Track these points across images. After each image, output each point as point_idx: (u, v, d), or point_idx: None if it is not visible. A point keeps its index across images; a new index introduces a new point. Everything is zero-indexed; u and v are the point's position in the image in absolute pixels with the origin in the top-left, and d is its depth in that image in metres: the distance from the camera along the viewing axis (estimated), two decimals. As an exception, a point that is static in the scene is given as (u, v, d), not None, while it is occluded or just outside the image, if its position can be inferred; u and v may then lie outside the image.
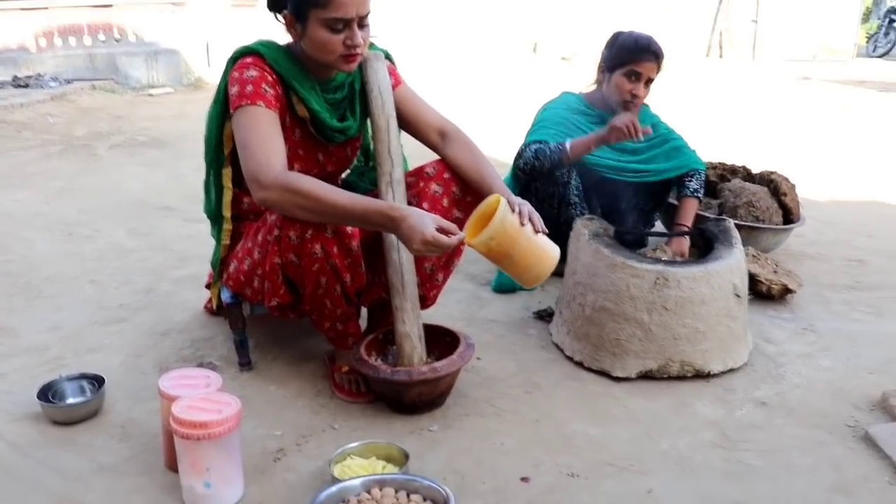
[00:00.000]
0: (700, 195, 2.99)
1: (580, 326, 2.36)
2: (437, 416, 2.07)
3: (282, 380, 2.27)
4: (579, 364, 2.35)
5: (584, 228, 2.46)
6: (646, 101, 2.93)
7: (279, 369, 2.34)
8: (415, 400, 2.03)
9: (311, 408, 2.12)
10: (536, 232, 1.87)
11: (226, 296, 2.24)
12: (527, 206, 1.89)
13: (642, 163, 2.95)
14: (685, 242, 2.83)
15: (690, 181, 2.99)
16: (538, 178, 2.81)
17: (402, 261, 2.01)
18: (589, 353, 2.33)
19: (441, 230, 1.77)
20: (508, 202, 1.86)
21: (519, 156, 2.82)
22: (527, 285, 1.95)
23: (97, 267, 3.15)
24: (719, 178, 3.55)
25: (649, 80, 2.80)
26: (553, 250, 1.90)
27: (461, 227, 1.97)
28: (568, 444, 1.95)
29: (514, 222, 1.83)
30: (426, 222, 1.74)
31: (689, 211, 2.95)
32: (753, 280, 2.77)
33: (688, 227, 2.92)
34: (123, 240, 3.50)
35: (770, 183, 3.38)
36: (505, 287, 2.84)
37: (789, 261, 3.29)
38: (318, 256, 1.91)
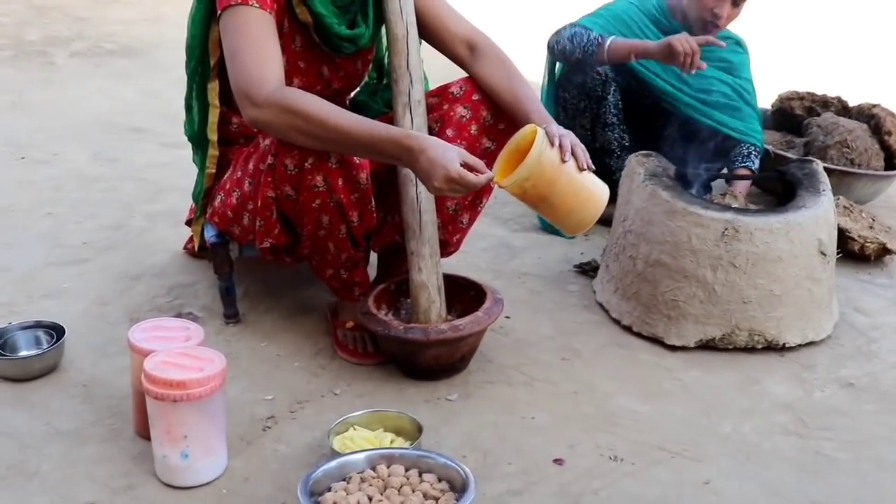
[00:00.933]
0: (755, 171, 2.98)
1: (630, 284, 2.38)
2: (457, 384, 2.09)
3: (275, 335, 2.30)
4: (627, 328, 2.37)
5: (638, 166, 2.46)
6: (735, 31, 2.91)
7: (272, 323, 2.36)
8: (431, 363, 2.05)
9: (309, 369, 2.15)
10: (581, 169, 1.87)
11: (210, 234, 2.28)
12: (570, 138, 1.88)
13: (700, 101, 2.92)
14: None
15: (748, 153, 2.97)
16: (565, 64, 2.79)
17: (421, 198, 2.02)
18: (639, 315, 2.35)
19: (466, 166, 1.76)
20: (548, 133, 1.85)
21: (556, 33, 2.83)
22: (568, 233, 1.98)
23: (55, 197, 3.15)
24: (806, 112, 3.51)
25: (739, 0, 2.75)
26: (600, 193, 1.91)
27: (491, 160, 1.98)
28: (610, 422, 1.97)
29: (554, 159, 1.82)
30: (450, 156, 1.74)
31: (741, 181, 2.93)
32: (844, 236, 2.75)
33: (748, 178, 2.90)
34: (86, 166, 3.50)
35: (871, 119, 3.33)
36: (553, 227, 2.81)
37: (889, 215, 3.26)
38: (320, 190, 1.92)
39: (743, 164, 2.95)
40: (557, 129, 1.89)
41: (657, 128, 2.94)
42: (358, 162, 1.90)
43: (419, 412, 1.93)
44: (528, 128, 1.89)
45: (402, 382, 2.09)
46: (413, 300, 2.08)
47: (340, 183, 1.91)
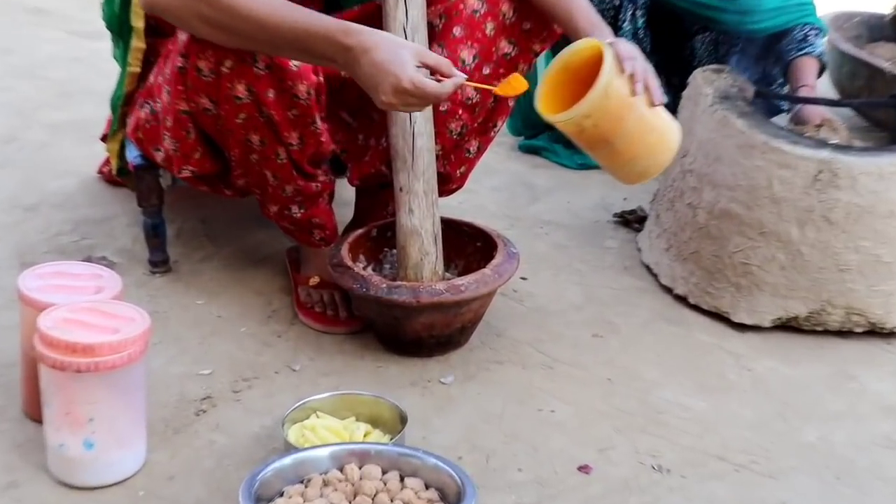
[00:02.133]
0: (824, 61, 3.01)
1: (687, 240, 2.37)
2: (455, 362, 2.11)
3: (216, 291, 2.33)
4: (681, 299, 2.38)
5: (705, 85, 2.45)
6: None
7: (213, 274, 2.39)
8: (422, 334, 2.07)
9: (260, 336, 2.17)
10: (652, 105, 1.91)
11: (133, 155, 2.29)
12: (640, 62, 1.90)
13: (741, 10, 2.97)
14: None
15: (803, 36, 2.99)
16: None
17: (416, 118, 2.02)
18: (698, 282, 2.35)
19: (427, 68, 1.76)
20: (615, 53, 1.86)
21: None
22: (625, 182, 2.03)
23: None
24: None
25: None
26: (673, 136, 1.96)
27: (509, 70, 2.04)
28: (654, 421, 1.98)
29: (623, 91, 1.86)
30: (402, 58, 1.73)
31: (808, 72, 2.95)
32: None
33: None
34: (-35, 57, 3.52)
35: None
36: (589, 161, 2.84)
37: None
38: (244, 102, 1.92)
39: (802, 52, 2.97)
40: (626, 49, 1.89)
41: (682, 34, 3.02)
42: (296, 68, 1.90)
43: (404, 398, 1.94)
44: (587, 43, 1.91)
45: (383, 358, 2.11)
46: (400, 251, 2.09)
47: (271, 95, 1.91)
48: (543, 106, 1.89)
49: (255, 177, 2.07)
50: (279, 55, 1.86)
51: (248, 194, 2.20)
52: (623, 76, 1.85)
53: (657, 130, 1.93)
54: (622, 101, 1.85)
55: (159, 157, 2.16)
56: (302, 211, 2.16)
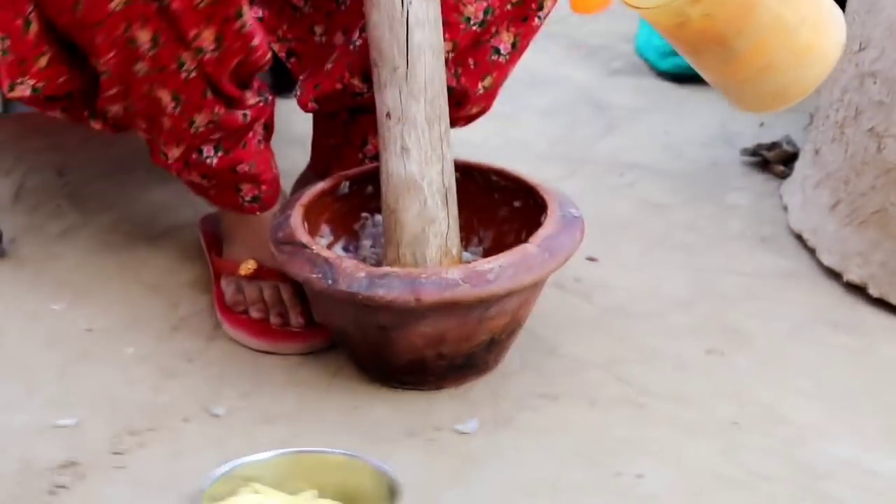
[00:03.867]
0: None
1: (868, 191, 2.33)
2: (480, 398, 2.07)
3: (84, 287, 2.32)
4: (857, 289, 2.34)
5: None
6: None
7: (78, 260, 2.39)
8: (425, 353, 2.03)
9: (159, 361, 2.14)
10: None
11: None
12: None
13: None
14: None
15: None
16: None
17: None
18: (887, 260, 2.30)
19: None
20: None
21: None
22: (750, 108, 2.06)
23: None
24: None
25: None
26: (833, 30, 1.93)
27: None
28: (815, 493, 1.90)
29: None
30: None
31: None
32: None
33: None
34: None
35: None
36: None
37: None
38: None
39: None
40: None
41: None
42: None
43: (396, 457, 1.87)
44: None
45: (362, 392, 2.07)
46: (389, 217, 2.05)
47: None
48: None
49: (140, 100, 2.05)
50: None
51: (129, 129, 2.17)
52: None
53: (807, 23, 1.88)
54: None
55: None
56: (220, 154, 2.14)
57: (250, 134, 2.16)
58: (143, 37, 1.94)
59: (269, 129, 2.23)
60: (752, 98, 1.99)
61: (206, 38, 1.97)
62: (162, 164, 2.19)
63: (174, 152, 2.14)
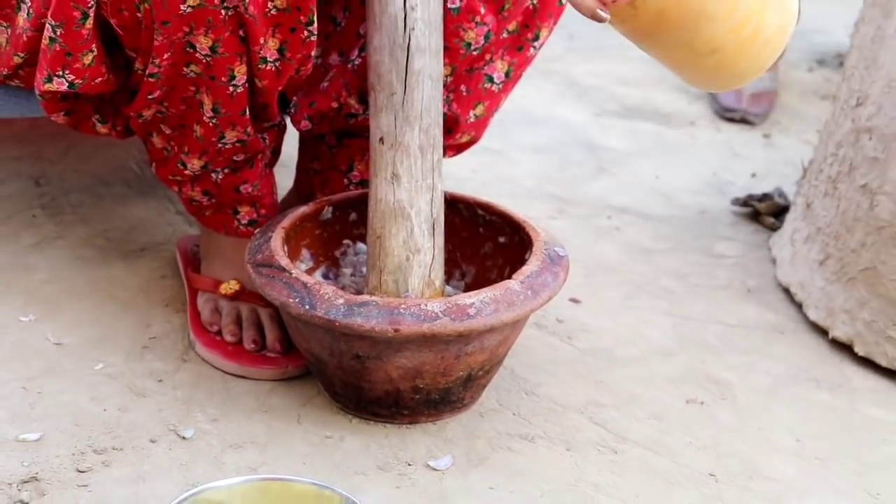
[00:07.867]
0: None
1: (858, 248, 2.34)
2: (455, 434, 2.06)
3: (55, 301, 2.31)
4: (843, 346, 2.35)
5: None
6: None
7: (50, 273, 2.38)
8: (401, 385, 2.02)
9: (128, 378, 2.12)
10: None
11: None
12: None
13: None
14: None
15: None
16: None
17: (413, 17, 1.97)
18: (874, 319, 2.31)
19: None
20: None
21: None
22: (702, 86, 2.16)
23: None
24: None
25: None
26: (785, 13, 1.90)
27: None
28: None
29: None
30: None
31: None
32: None
33: None
34: None
35: None
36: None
37: None
38: None
39: None
40: None
41: None
42: None
43: (367, 490, 1.89)
44: None
45: (334, 423, 2.05)
46: (374, 244, 2.04)
47: None
48: None
49: (180, 104, 2.05)
50: None
51: (141, 136, 2.17)
52: None
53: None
54: None
55: None
56: (227, 171, 2.15)
57: (260, 157, 2.17)
58: (204, 42, 1.94)
59: (276, 153, 2.24)
60: (702, 78, 1.97)
61: (270, 47, 1.97)
62: (167, 176, 2.18)
63: (195, 164, 2.13)
